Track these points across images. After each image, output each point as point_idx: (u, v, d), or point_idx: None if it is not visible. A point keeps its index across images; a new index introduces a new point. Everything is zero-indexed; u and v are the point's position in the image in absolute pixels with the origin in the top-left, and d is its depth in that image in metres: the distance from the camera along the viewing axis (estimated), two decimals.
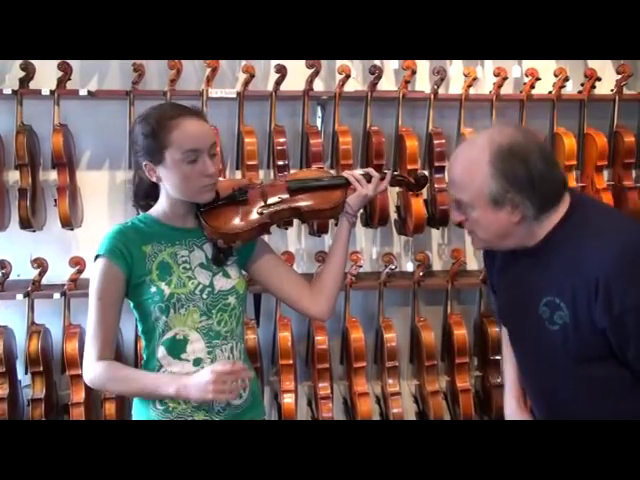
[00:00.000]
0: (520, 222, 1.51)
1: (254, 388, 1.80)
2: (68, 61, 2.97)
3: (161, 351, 1.69)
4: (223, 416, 1.71)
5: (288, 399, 3.10)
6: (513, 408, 1.79)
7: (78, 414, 2.96)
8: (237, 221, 1.74)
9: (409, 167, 3.15)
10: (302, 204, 1.81)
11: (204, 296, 1.69)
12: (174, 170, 1.63)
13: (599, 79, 3.34)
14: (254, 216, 1.75)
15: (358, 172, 1.86)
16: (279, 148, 3.10)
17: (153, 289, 1.66)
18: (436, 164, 3.20)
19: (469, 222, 1.57)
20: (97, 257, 1.68)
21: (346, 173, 1.86)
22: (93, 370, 1.65)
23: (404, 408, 3.25)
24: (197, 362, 1.68)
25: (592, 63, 3.40)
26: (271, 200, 1.78)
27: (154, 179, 1.68)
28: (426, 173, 2.04)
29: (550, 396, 1.61)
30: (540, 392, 1.66)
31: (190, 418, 1.68)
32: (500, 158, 1.46)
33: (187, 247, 1.73)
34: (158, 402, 1.69)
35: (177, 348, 1.69)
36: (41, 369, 2.97)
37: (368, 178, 1.84)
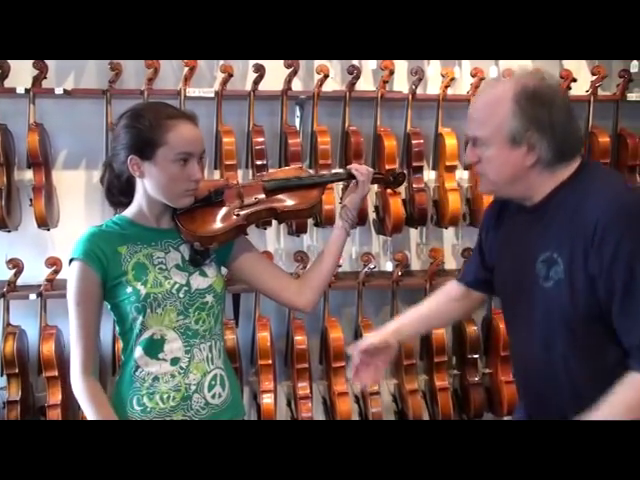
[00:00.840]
0: (533, 166, 1.51)
1: (233, 387, 1.80)
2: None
3: (138, 351, 1.69)
4: (202, 416, 1.71)
5: (267, 399, 3.10)
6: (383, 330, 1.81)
7: (55, 416, 2.93)
8: (213, 224, 1.73)
9: (387, 167, 3.16)
10: (278, 204, 1.80)
11: (181, 295, 1.68)
12: (162, 169, 1.63)
13: (574, 80, 3.38)
14: (230, 218, 1.74)
15: (338, 170, 1.87)
16: (258, 148, 3.09)
17: (129, 289, 1.65)
18: (414, 164, 3.21)
19: (482, 162, 1.56)
20: (72, 260, 1.66)
21: (354, 168, 1.86)
22: (78, 384, 1.65)
23: (383, 407, 3.26)
24: (174, 361, 1.69)
25: (567, 64, 3.44)
26: (247, 201, 1.77)
27: (137, 174, 1.66)
28: (404, 172, 2.02)
29: (535, 367, 1.59)
30: (525, 364, 1.65)
31: (169, 418, 1.67)
32: (525, 97, 1.46)
33: (163, 248, 1.72)
34: (135, 403, 1.69)
35: (154, 348, 1.68)
36: (17, 371, 2.94)
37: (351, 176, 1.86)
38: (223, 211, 1.75)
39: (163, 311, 1.67)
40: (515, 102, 1.47)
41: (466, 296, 1.87)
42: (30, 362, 3.05)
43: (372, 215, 3.32)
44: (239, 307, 3.16)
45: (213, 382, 1.73)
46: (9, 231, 3.01)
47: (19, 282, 3.03)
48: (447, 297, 1.90)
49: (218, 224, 1.73)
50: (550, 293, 1.50)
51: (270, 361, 3.11)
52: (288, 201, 1.80)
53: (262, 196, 1.79)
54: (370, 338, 1.79)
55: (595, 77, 3.39)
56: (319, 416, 3.33)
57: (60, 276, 3.04)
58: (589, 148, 3.38)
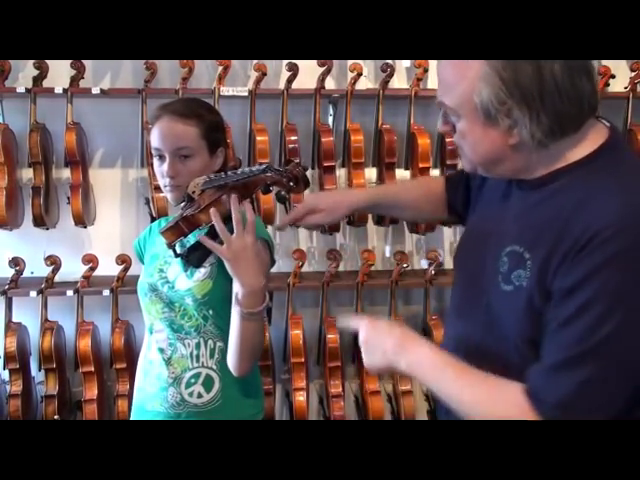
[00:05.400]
0: (519, 146, 1.13)
1: (229, 393, 1.71)
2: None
3: (147, 335, 1.79)
4: (178, 411, 1.69)
5: (300, 397, 3.11)
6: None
7: (91, 411, 2.98)
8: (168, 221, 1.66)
9: (421, 165, 3.14)
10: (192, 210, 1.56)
11: (165, 290, 1.71)
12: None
13: (613, 76, 3.32)
14: (176, 219, 1.60)
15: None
16: (291, 146, 3.10)
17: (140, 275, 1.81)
18: (448, 162, 3.18)
19: (456, 134, 1.19)
20: None
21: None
22: None
23: (416, 406, 3.24)
24: (160, 351, 1.72)
25: (606, 60, 3.38)
26: (192, 204, 1.59)
27: None
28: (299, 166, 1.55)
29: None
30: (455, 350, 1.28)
31: (150, 405, 1.72)
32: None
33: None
34: (138, 380, 1.80)
35: (150, 333, 1.77)
36: (54, 366, 2.99)
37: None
38: (180, 212, 1.64)
39: (150, 301, 1.73)
40: (489, 63, 1.08)
41: (440, 200, 1.59)
42: (67, 357, 3.11)
43: None
44: (272, 305, 3.18)
45: (193, 380, 1.69)
46: (47, 229, 3.07)
47: (57, 279, 3.09)
48: (427, 189, 1.61)
49: (170, 223, 1.61)
50: (506, 299, 1.17)
51: (302, 359, 3.12)
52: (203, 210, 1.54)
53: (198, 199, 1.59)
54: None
55: (634, 73, 3.32)
56: (351, 414, 3.33)
57: (96, 273, 3.09)
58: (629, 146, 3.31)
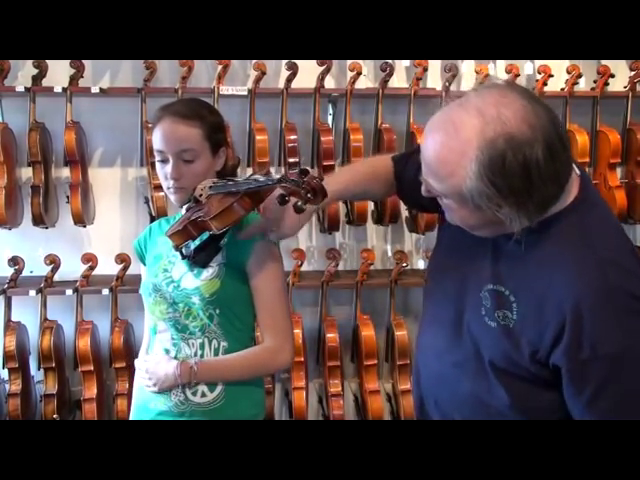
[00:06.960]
0: (504, 221, 1.17)
1: (231, 393, 1.71)
2: None
3: (149, 335, 1.80)
4: (182, 410, 1.68)
5: (299, 396, 3.11)
6: None
7: (90, 410, 2.98)
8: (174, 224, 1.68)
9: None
10: (200, 214, 1.57)
11: (170, 289, 1.70)
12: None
13: (612, 76, 3.32)
14: (183, 221, 1.62)
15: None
16: (290, 145, 3.10)
17: (143, 276, 1.81)
18: None
19: (443, 202, 1.24)
20: None
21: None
22: None
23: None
24: (165, 351, 1.72)
25: (605, 60, 3.38)
26: (199, 208, 1.60)
27: None
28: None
29: (429, 371, 1.42)
30: (425, 362, 1.45)
31: (152, 403, 1.70)
32: (491, 159, 1.10)
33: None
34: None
35: (154, 334, 1.77)
36: (53, 365, 2.99)
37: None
38: (184, 213, 1.66)
39: (154, 301, 1.72)
40: (478, 163, 1.11)
41: (390, 182, 1.61)
42: (66, 357, 3.11)
43: (405, 213, 3.31)
44: None
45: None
46: (47, 228, 3.06)
47: (56, 278, 3.09)
48: (378, 173, 1.61)
49: (177, 226, 1.64)
50: (488, 332, 1.27)
51: (302, 358, 3.12)
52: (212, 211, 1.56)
53: (206, 201, 1.61)
54: None
55: (633, 73, 3.33)
56: (350, 414, 3.33)
57: (96, 272, 3.09)
58: (627, 145, 3.32)
